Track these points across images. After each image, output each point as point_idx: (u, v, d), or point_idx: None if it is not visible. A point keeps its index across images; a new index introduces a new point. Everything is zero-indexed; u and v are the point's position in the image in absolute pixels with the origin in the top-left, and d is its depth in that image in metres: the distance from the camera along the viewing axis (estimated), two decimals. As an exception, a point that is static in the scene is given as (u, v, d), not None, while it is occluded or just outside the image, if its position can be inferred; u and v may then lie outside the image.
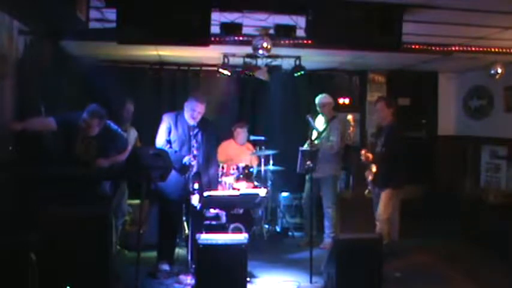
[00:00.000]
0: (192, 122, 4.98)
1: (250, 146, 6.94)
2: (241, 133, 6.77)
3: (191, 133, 4.98)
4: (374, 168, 5.65)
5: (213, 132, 5.32)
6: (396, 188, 5.66)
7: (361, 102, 8.05)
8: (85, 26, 3.96)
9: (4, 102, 4.50)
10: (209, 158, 5.27)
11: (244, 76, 6.95)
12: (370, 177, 5.70)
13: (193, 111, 4.97)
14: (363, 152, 5.74)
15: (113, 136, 4.94)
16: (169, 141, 5.08)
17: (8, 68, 4.56)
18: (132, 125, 6.06)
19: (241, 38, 4.79)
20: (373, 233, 5.34)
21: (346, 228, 6.31)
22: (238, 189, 5.86)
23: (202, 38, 4.07)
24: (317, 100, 6.32)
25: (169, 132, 5.08)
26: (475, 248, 6.25)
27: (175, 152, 5.00)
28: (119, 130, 5.16)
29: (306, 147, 5.94)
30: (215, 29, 4.32)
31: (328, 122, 6.17)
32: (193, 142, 4.95)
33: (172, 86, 7.39)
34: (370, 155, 5.66)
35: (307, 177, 6.18)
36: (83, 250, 3.98)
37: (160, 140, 5.08)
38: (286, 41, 4.98)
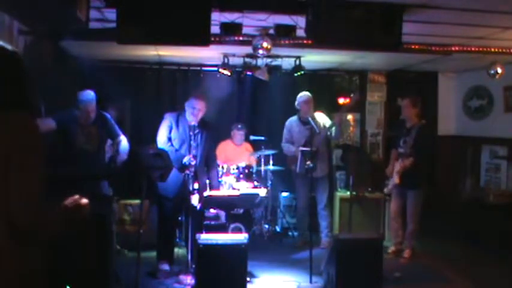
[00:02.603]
0: (192, 120, 4.99)
1: (248, 146, 6.94)
2: (237, 135, 6.79)
3: (191, 133, 5.00)
4: (398, 168, 5.67)
5: (212, 133, 5.33)
6: (423, 187, 5.85)
7: (361, 102, 8.03)
8: (85, 26, 3.95)
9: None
10: (208, 158, 5.28)
11: (244, 76, 6.95)
12: (396, 179, 5.71)
13: (193, 109, 5.00)
14: (405, 164, 5.67)
15: (108, 121, 5.14)
16: (170, 139, 5.10)
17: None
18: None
19: (241, 38, 4.79)
20: (374, 233, 5.35)
21: (346, 228, 6.30)
22: (238, 189, 5.87)
23: (202, 38, 4.06)
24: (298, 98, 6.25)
25: (170, 131, 5.11)
26: (475, 248, 6.26)
27: (176, 150, 5.01)
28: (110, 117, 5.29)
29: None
30: (215, 29, 4.32)
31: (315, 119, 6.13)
32: (193, 142, 4.97)
33: (172, 86, 7.39)
34: (409, 161, 5.65)
35: (300, 178, 6.15)
36: (83, 250, 3.97)
37: (162, 138, 5.10)
38: (286, 41, 4.98)
